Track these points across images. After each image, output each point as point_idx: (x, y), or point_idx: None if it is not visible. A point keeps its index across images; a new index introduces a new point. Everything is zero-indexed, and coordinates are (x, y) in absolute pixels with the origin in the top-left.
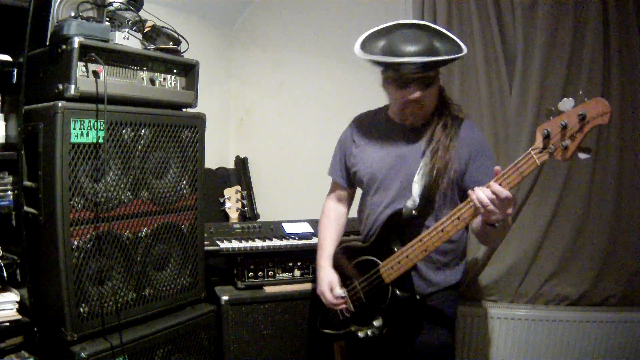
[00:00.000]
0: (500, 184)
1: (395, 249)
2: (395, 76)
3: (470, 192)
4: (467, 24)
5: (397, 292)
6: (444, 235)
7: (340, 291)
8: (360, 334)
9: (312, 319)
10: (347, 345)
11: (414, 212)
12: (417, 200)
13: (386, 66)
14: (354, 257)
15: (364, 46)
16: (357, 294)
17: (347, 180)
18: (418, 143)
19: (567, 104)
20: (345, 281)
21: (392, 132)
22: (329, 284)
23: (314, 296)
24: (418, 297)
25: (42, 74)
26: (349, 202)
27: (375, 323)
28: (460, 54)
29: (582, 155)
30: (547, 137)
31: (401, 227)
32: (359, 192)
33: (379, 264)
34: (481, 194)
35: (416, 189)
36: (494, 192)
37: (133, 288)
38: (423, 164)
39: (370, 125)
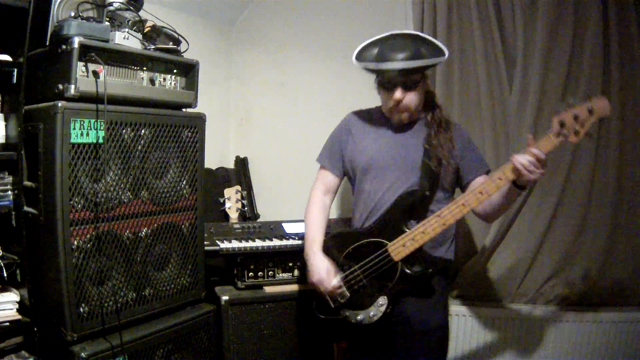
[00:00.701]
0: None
1: (406, 229)
2: (383, 80)
3: (512, 158)
4: (467, 24)
5: (407, 269)
6: (464, 208)
7: (338, 277)
8: (360, 317)
9: (305, 319)
10: (348, 338)
11: (427, 192)
12: (426, 182)
13: (375, 72)
14: (350, 242)
15: (360, 54)
16: (356, 277)
17: (340, 169)
18: (415, 132)
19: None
20: (340, 267)
21: (389, 125)
22: (327, 270)
23: (303, 291)
24: (430, 270)
25: (42, 74)
26: (334, 194)
27: (380, 302)
28: (442, 58)
29: (587, 137)
30: (562, 125)
31: (411, 207)
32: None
33: (387, 244)
34: (522, 158)
35: (422, 171)
36: (534, 155)
37: (133, 288)
38: (428, 146)
39: (367, 119)
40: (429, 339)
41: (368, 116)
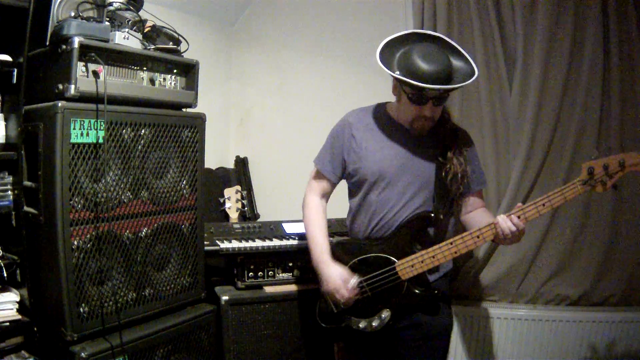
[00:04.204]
0: (543, 204)
1: (416, 250)
2: (414, 92)
3: (495, 220)
4: (467, 24)
5: (414, 289)
6: (479, 240)
7: (355, 282)
8: (362, 325)
9: (305, 319)
10: (346, 340)
11: (441, 216)
12: (440, 205)
13: (410, 85)
14: (357, 253)
15: (385, 56)
16: (362, 288)
17: (339, 176)
18: (427, 145)
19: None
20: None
21: (398, 131)
22: (342, 277)
23: (303, 296)
24: (436, 292)
25: (42, 74)
26: (328, 198)
27: (383, 315)
28: (474, 75)
29: (613, 189)
30: (591, 173)
31: (424, 229)
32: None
33: (395, 262)
34: (504, 224)
35: (438, 193)
36: (516, 225)
37: (133, 288)
38: (443, 166)
39: (371, 123)
40: (436, 341)
41: (370, 117)
